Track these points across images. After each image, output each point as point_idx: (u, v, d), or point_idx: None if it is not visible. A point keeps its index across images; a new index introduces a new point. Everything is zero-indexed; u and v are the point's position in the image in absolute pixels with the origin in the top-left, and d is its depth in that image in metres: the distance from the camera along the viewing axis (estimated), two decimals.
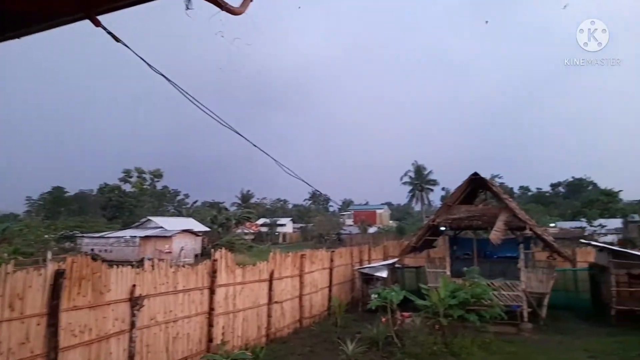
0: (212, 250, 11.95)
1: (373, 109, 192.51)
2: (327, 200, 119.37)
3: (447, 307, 11.81)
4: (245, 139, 7.45)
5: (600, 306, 16.58)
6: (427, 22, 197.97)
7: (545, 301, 15.13)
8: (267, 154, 8.39)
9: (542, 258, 18.76)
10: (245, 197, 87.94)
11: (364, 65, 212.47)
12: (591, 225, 58.26)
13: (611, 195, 76.31)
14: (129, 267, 8.36)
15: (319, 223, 66.68)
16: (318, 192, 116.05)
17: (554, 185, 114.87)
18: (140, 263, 17.70)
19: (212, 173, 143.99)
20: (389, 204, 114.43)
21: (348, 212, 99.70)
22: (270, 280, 12.58)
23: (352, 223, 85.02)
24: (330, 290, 16.92)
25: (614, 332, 13.67)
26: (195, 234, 45.98)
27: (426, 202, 79.48)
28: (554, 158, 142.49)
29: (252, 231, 68.63)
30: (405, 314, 13.88)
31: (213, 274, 10.02)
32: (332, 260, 17.30)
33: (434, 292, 12.35)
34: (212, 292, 9.97)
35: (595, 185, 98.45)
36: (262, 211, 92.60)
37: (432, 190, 79.32)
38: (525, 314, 14.69)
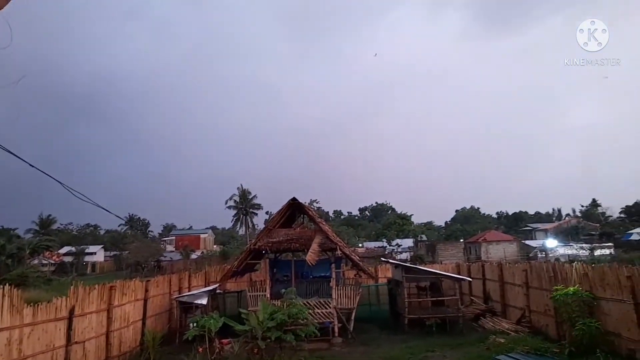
0: None
1: (201, 132, 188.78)
2: (146, 225, 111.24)
3: (266, 330, 12.06)
4: (21, 159, 6.37)
5: (396, 316, 18.98)
6: (252, 51, 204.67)
7: (353, 315, 16.66)
8: (48, 175, 7.28)
9: (351, 276, 20.70)
10: (45, 223, 76.14)
11: (191, 87, 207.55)
12: (390, 245, 66.80)
13: (405, 219, 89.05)
14: None
15: (135, 250, 61.32)
16: (135, 217, 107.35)
17: (361, 210, 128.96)
18: None
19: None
20: (213, 228, 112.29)
21: (170, 238, 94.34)
22: (70, 318, 11.02)
23: (173, 249, 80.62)
24: (144, 324, 15.62)
25: (406, 338, 15.77)
26: None
27: (250, 225, 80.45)
28: (363, 185, 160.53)
29: (52, 262, 59.38)
30: (225, 340, 13.68)
31: None
32: (147, 290, 16.05)
33: (253, 316, 12.50)
34: None
35: (393, 209, 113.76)
36: (67, 238, 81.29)
37: (256, 214, 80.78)
38: (336, 329, 15.92)
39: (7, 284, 9.23)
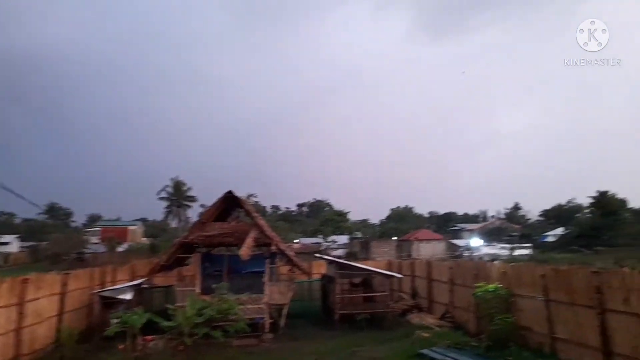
0: None
1: (135, 119, 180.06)
2: (69, 214, 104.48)
3: (193, 326, 11.70)
4: None
5: (328, 312, 19.17)
6: (193, 38, 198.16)
7: (285, 311, 16.61)
8: None
9: (285, 272, 20.63)
10: None
11: (124, 71, 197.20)
12: (326, 241, 67.52)
13: (342, 216, 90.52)
14: None
15: (55, 241, 57.28)
16: (57, 205, 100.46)
17: (299, 205, 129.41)
18: None
19: None
20: (143, 220, 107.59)
21: (95, 229, 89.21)
22: None
23: (98, 241, 76.31)
24: (60, 319, 14.60)
25: (337, 334, 15.96)
26: None
27: (184, 218, 77.99)
28: (301, 181, 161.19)
29: None
30: (149, 337, 13.13)
31: None
32: (65, 284, 15.02)
33: (181, 312, 12.08)
34: None
35: (331, 206, 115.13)
36: None
37: (190, 206, 78.48)
38: (267, 325, 15.79)
39: None
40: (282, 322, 16.39)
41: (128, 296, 16.27)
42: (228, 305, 12.81)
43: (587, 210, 76.88)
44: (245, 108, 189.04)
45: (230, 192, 17.38)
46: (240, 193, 18.01)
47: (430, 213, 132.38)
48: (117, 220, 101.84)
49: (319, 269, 24.50)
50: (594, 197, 68.86)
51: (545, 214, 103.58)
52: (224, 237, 16.90)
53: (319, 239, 70.61)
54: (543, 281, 11.30)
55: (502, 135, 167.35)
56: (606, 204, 65.97)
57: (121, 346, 11.77)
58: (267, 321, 15.85)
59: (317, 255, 30.48)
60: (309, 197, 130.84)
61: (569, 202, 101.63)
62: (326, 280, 20.34)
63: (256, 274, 17.99)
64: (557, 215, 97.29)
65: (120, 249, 64.00)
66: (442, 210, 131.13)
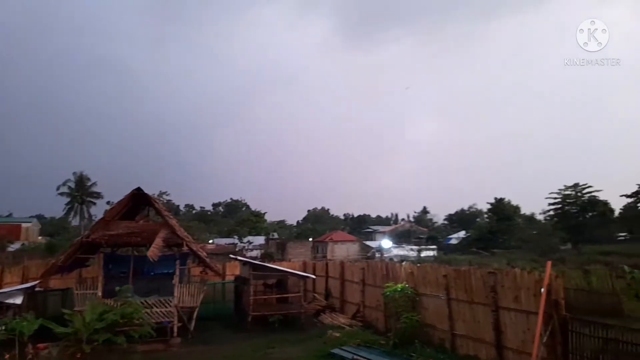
0: None
1: (33, 109, 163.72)
2: None
3: (93, 332, 10.87)
4: None
5: (241, 314, 18.84)
6: (103, 29, 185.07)
7: (195, 314, 16.03)
8: None
9: (197, 273, 19.94)
10: None
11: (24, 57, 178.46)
12: (241, 242, 66.53)
13: (259, 216, 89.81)
14: None
15: None
16: None
17: (215, 205, 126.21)
18: None
19: None
20: (39, 217, 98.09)
21: None
22: None
23: None
24: None
25: (249, 336, 15.74)
26: None
27: (87, 216, 72.40)
28: (218, 180, 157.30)
29: None
30: (42, 345, 11.97)
31: None
32: None
33: (78, 317, 11.16)
34: None
35: (248, 206, 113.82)
36: None
37: (94, 203, 73.05)
38: (175, 329, 15.13)
39: None
40: (192, 325, 15.81)
41: (18, 300, 14.72)
42: (132, 309, 12.08)
43: (485, 216, 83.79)
44: (161, 104, 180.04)
45: (139, 189, 16.46)
46: (151, 191, 17.14)
47: (345, 215, 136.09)
48: (8, 216, 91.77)
49: (233, 270, 24.02)
50: (491, 204, 75.30)
51: (450, 218, 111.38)
52: (130, 236, 15.95)
53: (234, 240, 69.33)
54: (445, 281, 12.07)
55: (413, 143, 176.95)
56: (502, 210, 72.47)
57: (7, 355, 10.58)
58: (176, 325, 15.20)
59: (232, 256, 29.86)
60: (225, 197, 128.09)
61: (470, 207, 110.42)
62: (240, 281, 20.00)
63: (166, 275, 17.19)
64: (460, 219, 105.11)
65: (10, 248, 57.73)
66: (357, 213, 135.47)
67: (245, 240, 67.52)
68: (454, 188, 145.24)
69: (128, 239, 16.07)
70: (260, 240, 71.12)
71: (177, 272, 16.10)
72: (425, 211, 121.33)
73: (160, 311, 15.18)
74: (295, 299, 18.50)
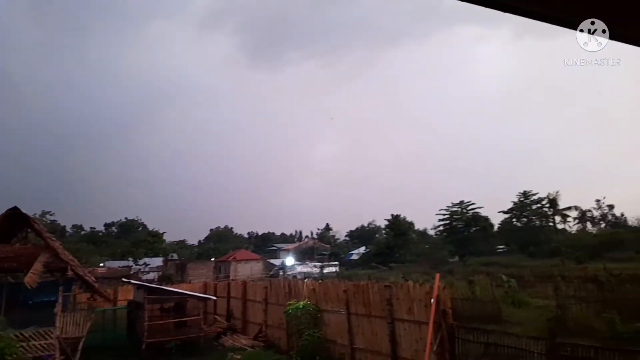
0: None
1: None
2: None
3: None
4: None
5: (135, 341, 17.57)
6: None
7: (81, 345, 14.62)
8: None
9: (85, 300, 18.27)
10: None
11: None
12: (137, 264, 62.32)
13: (157, 236, 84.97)
14: None
15: None
16: None
17: (107, 225, 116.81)
18: None
19: None
20: None
21: None
22: None
23: None
24: None
25: None
26: None
27: None
28: (111, 199, 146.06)
29: None
30: None
31: None
32: None
33: None
34: None
35: (145, 226, 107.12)
36: None
37: None
38: None
39: None
40: (77, 357, 14.38)
41: None
42: (4, 344, 10.69)
43: (383, 231, 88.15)
44: (51, 118, 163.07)
45: (15, 209, 14.78)
46: (32, 210, 15.48)
47: (249, 233, 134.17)
48: None
49: (127, 294, 22.38)
50: (388, 220, 79.50)
51: (351, 234, 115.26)
52: (5, 261, 14.26)
53: (129, 262, 64.64)
54: (346, 296, 12.45)
55: (317, 162, 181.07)
56: (398, 226, 76.82)
57: None
58: (58, 358, 13.70)
59: (125, 279, 27.82)
60: (119, 216, 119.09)
61: (370, 223, 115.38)
62: (133, 306, 18.71)
63: (47, 304, 15.49)
64: (360, 235, 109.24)
65: None
66: (261, 231, 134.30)
67: (141, 262, 63.34)
68: (355, 205, 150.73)
69: (1, 265, 14.30)
70: (158, 261, 67.14)
71: (60, 300, 14.60)
72: (328, 228, 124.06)
73: (39, 344, 13.60)
74: (195, 323, 17.74)
